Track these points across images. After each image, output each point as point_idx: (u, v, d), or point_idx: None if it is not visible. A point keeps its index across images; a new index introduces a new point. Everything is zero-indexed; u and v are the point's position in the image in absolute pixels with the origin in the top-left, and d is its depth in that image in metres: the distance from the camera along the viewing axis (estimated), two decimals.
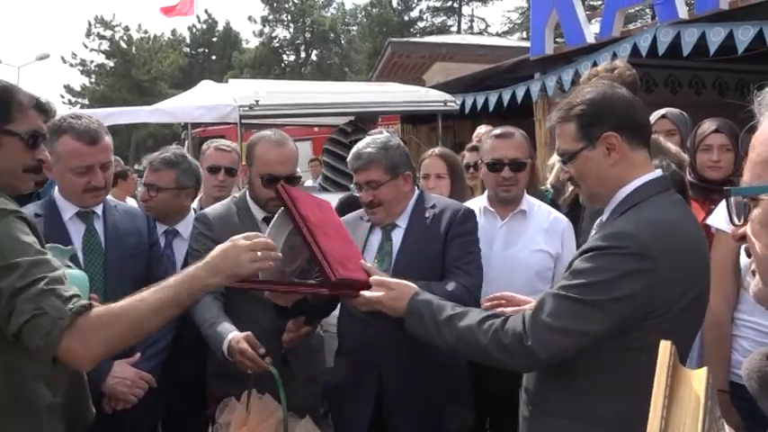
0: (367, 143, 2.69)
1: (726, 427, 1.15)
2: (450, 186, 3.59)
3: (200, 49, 46.32)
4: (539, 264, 2.98)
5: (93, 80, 41.75)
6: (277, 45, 45.84)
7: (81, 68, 41.23)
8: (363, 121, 6.11)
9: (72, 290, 1.60)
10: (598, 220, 2.20)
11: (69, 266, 1.96)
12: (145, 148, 32.82)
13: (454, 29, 39.28)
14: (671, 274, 1.67)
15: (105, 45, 40.33)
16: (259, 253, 1.75)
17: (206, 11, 45.05)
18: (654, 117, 3.49)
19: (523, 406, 1.95)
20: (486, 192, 3.20)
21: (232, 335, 2.44)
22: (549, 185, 3.63)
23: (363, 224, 2.76)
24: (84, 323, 1.55)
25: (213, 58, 45.83)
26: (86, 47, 40.76)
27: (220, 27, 46.15)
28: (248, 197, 2.85)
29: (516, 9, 38.69)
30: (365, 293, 2.07)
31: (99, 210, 2.71)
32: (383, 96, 7.11)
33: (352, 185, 2.92)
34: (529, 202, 3.09)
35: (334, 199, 3.77)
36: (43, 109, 1.86)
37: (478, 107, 8.24)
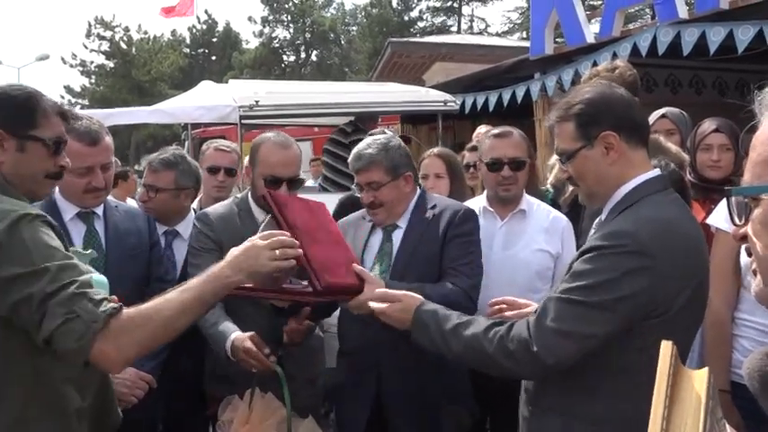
0: (368, 144, 2.69)
1: (728, 427, 1.15)
2: (450, 186, 3.59)
3: (200, 50, 46.29)
4: (539, 263, 2.97)
5: (93, 81, 41.75)
6: (277, 45, 45.83)
7: (81, 69, 41.25)
8: (363, 122, 6.10)
9: (101, 293, 1.61)
10: (597, 220, 2.20)
11: (90, 271, 1.97)
12: (145, 148, 32.78)
13: (454, 29, 39.26)
14: (669, 271, 1.68)
15: (105, 46, 40.33)
16: (277, 251, 1.76)
17: (206, 11, 45.15)
18: (653, 117, 3.49)
19: (523, 405, 1.95)
20: (485, 192, 3.20)
21: (235, 335, 2.44)
22: (549, 185, 3.63)
23: (365, 224, 2.76)
24: (117, 325, 1.55)
25: (213, 58, 45.81)
26: (86, 47, 40.83)
27: (220, 27, 46.15)
28: (250, 198, 2.84)
29: (516, 9, 38.68)
30: (371, 302, 2.05)
31: (99, 210, 2.71)
32: (383, 96, 7.10)
33: (352, 186, 2.91)
34: (528, 201, 3.09)
35: (334, 199, 3.78)
36: (65, 116, 1.89)
37: (478, 107, 8.23)
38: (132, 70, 39.11)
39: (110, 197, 2.85)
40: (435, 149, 3.85)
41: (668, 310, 1.69)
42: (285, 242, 1.81)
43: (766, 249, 1.03)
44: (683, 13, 5.99)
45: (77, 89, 41.56)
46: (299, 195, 2.60)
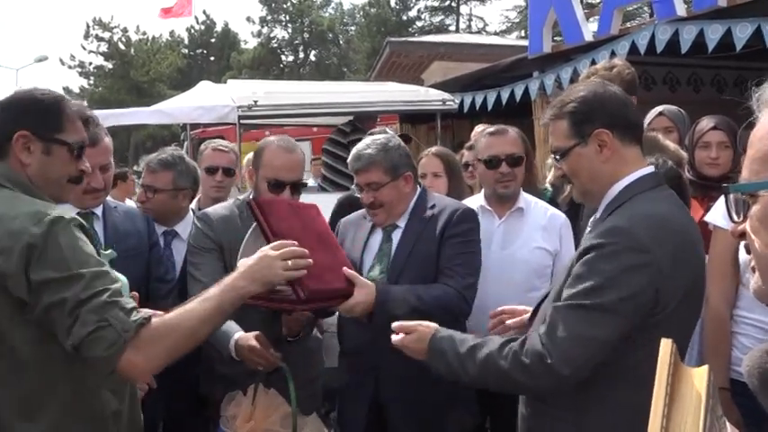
0: (367, 144, 2.68)
1: (728, 425, 1.15)
2: (448, 185, 3.59)
3: (199, 50, 46.25)
4: (537, 261, 2.97)
5: (91, 82, 41.69)
6: (275, 45, 45.78)
7: (79, 70, 41.21)
8: (362, 121, 6.10)
9: (131, 302, 1.63)
10: (592, 218, 2.20)
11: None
12: (144, 149, 32.73)
13: (452, 28, 39.25)
14: (666, 266, 1.68)
15: (104, 47, 40.24)
16: (290, 262, 1.83)
17: (204, 12, 45.01)
18: (651, 114, 3.49)
19: (522, 405, 1.95)
20: (482, 191, 3.19)
21: (239, 334, 2.45)
22: (548, 184, 3.63)
23: (366, 224, 2.75)
24: (147, 335, 1.58)
25: (212, 58, 45.77)
26: (85, 49, 40.76)
27: (219, 28, 46.08)
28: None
29: (514, 8, 38.59)
30: (392, 337, 2.01)
31: (99, 211, 2.71)
32: (382, 96, 7.10)
33: (352, 186, 2.91)
34: (525, 199, 3.09)
35: (333, 199, 3.78)
36: (87, 122, 1.93)
37: (477, 106, 8.22)
38: (131, 71, 39.05)
39: (109, 198, 2.84)
40: (433, 149, 3.85)
41: (667, 306, 1.69)
42: (296, 252, 1.88)
43: (765, 246, 1.03)
44: (681, 10, 5.98)
45: (76, 90, 41.45)
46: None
